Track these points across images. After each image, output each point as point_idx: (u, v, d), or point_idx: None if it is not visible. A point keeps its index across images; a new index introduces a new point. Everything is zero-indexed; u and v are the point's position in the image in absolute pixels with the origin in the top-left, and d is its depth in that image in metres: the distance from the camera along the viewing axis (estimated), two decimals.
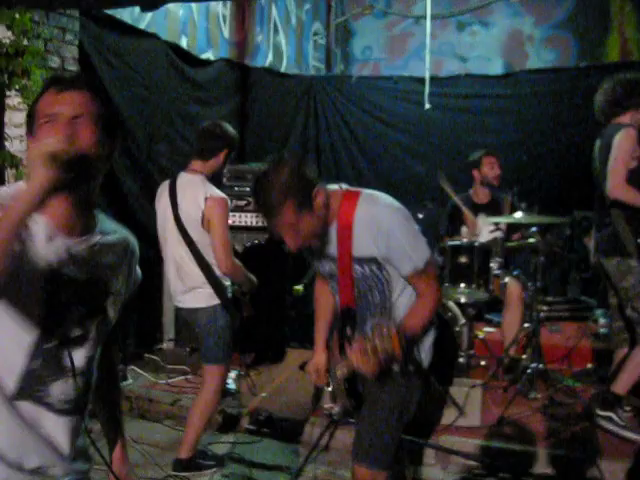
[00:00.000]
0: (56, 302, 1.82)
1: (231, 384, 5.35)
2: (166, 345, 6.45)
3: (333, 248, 2.95)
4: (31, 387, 1.83)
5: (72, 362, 1.87)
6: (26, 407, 1.84)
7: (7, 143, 4.68)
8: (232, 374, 5.39)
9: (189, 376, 5.84)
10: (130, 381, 5.80)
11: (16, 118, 4.66)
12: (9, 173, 4.68)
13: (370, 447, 3.04)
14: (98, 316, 1.94)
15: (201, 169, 4.29)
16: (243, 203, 6.12)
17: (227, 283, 4.31)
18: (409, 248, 2.86)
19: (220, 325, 4.29)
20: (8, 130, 4.69)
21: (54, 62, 4.76)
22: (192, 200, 4.18)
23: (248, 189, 5.96)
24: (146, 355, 6.30)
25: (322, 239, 2.94)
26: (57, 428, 1.91)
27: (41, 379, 1.85)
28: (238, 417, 5.13)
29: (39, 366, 1.83)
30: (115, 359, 2.21)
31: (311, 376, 3.27)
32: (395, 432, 3.07)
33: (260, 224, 5.89)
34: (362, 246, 2.89)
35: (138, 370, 5.99)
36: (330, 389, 3.24)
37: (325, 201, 2.82)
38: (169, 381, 5.80)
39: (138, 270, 2.13)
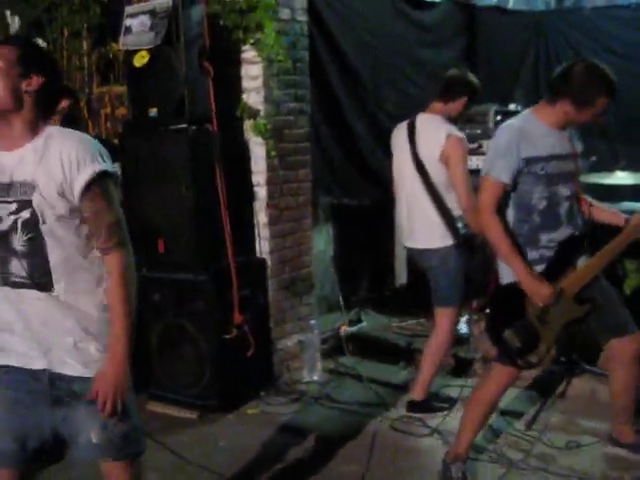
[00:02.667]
0: None
1: (463, 328, 5.34)
2: (399, 288, 6.53)
3: None
4: (2, 270, 2.37)
5: (12, 245, 2.34)
6: (10, 291, 2.38)
7: (244, 95, 4.88)
8: (464, 318, 5.37)
9: (421, 319, 5.89)
10: (364, 323, 5.95)
11: (252, 71, 4.85)
12: (247, 124, 4.89)
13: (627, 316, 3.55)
14: (26, 207, 2.31)
15: (441, 111, 4.37)
16: (475, 146, 6.01)
17: (459, 224, 4.29)
18: None
19: (453, 267, 4.31)
20: (245, 83, 4.89)
21: (285, 14, 4.87)
22: (432, 137, 4.26)
23: (479, 131, 5.86)
24: (379, 298, 6.42)
25: None
26: (32, 304, 2.37)
27: (3, 262, 2.37)
28: (471, 361, 5.12)
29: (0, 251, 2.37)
30: (119, 267, 2.41)
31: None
32: None
33: None
34: None
35: (372, 313, 6.13)
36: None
37: None
38: (402, 324, 5.89)
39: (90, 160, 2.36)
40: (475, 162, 5.88)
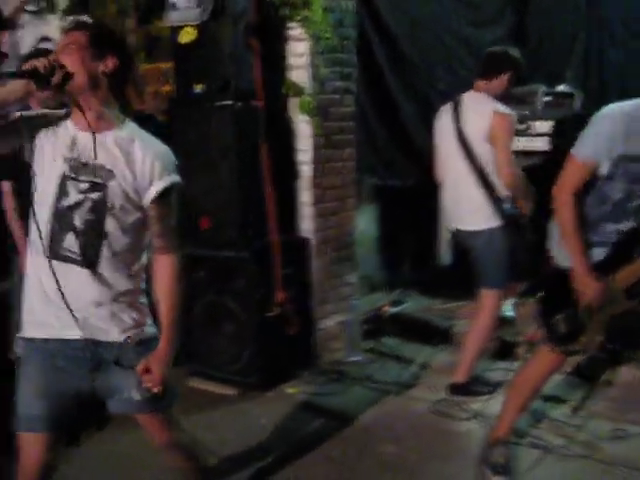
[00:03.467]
0: (65, 175, 2.48)
1: (508, 311, 5.27)
2: (442, 269, 6.49)
3: None
4: (53, 244, 2.48)
5: (68, 222, 2.47)
6: (56, 265, 2.47)
7: (290, 73, 4.85)
8: (509, 301, 5.30)
9: (465, 301, 5.83)
10: (406, 304, 5.92)
11: (298, 48, 4.82)
12: (292, 102, 4.87)
13: None
14: (98, 190, 2.46)
15: (485, 89, 4.32)
16: (523, 127, 5.91)
17: (506, 205, 4.23)
18: None
19: (498, 248, 4.27)
20: (291, 60, 4.86)
21: None
22: (479, 115, 4.22)
23: (527, 112, 5.77)
24: (422, 279, 6.37)
25: None
26: (76, 278, 2.49)
27: (56, 237, 2.48)
28: (514, 345, 5.06)
29: (54, 225, 2.47)
30: (174, 267, 2.61)
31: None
32: None
33: (539, 148, 5.70)
34: None
35: (414, 294, 6.09)
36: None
37: None
38: (445, 306, 5.84)
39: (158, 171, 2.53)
40: (523, 143, 5.81)
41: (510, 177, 4.13)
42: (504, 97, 4.34)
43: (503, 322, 5.03)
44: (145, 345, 2.60)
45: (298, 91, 4.80)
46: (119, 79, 2.52)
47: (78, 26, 2.49)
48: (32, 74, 2.36)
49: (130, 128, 2.55)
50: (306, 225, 4.93)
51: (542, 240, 3.45)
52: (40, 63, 2.35)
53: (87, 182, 2.47)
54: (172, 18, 4.55)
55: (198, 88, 4.52)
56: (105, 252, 2.50)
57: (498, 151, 4.14)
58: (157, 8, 5.16)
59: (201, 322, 4.78)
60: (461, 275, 5.98)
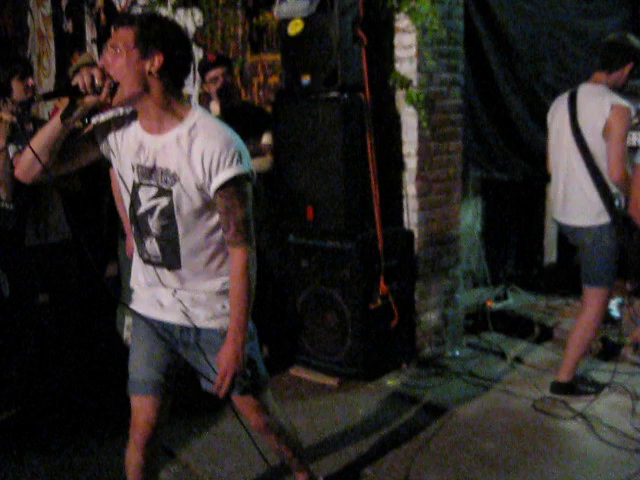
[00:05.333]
0: (135, 183, 2.52)
1: (614, 310, 5.15)
2: (548, 266, 6.38)
3: None
4: (138, 247, 2.62)
5: (147, 228, 2.54)
6: (147, 267, 2.64)
7: (397, 64, 4.85)
8: (615, 300, 5.18)
9: (570, 299, 5.72)
10: (510, 300, 5.85)
11: (406, 40, 4.80)
12: (399, 94, 4.86)
13: None
14: (166, 194, 2.46)
15: (605, 81, 4.21)
16: (636, 121, 5.73)
17: (616, 202, 4.13)
18: None
19: (607, 245, 4.16)
20: (398, 52, 4.85)
21: None
22: (596, 108, 4.11)
23: None
24: (527, 275, 6.29)
25: None
26: (165, 278, 2.62)
27: (139, 240, 2.59)
28: (620, 345, 4.93)
29: (136, 230, 2.58)
30: (242, 261, 2.52)
31: None
32: None
33: None
34: None
35: (518, 290, 6.01)
36: None
37: None
38: (549, 303, 5.75)
39: (225, 165, 2.42)
40: (635, 138, 5.64)
41: (621, 173, 4.02)
42: (619, 90, 4.21)
43: (609, 321, 4.92)
44: None
45: (405, 83, 4.79)
46: (174, 74, 2.43)
47: (124, 22, 2.39)
48: (72, 91, 2.37)
49: (193, 121, 2.45)
50: (411, 218, 4.92)
51: None
52: (81, 81, 2.34)
53: (155, 187, 2.48)
54: (281, 10, 4.61)
55: (306, 79, 4.56)
56: (183, 253, 2.54)
57: (612, 145, 4.03)
58: (265, 1, 5.25)
59: (305, 311, 4.84)
60: (567, 272, 5.89)
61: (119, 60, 2.34)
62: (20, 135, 3.78)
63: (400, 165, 4.90)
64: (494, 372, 4.83)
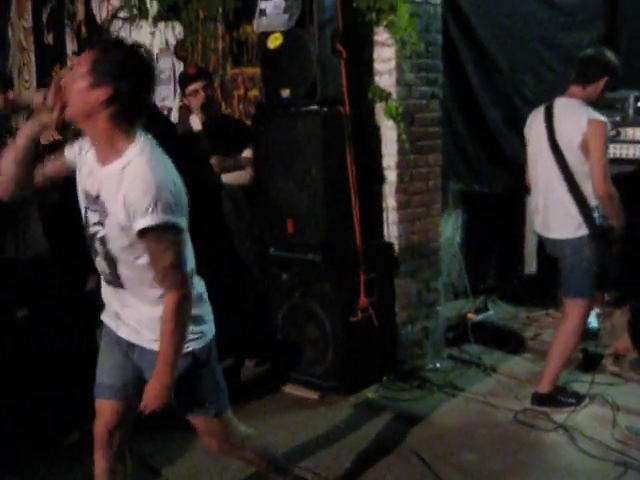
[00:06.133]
0: (85, 206, 2.54)
1: (593, 322, 5.17)
2: (528, 277, 6.40)
3: None
4: (97, 268, 2.64)
5: (95, 248, 2.55)
6: (108, 287, 2.68)
7: (376, 78, 4.86)
8: (593, 312, 5.20)
9: (550, 310, 5.75)
10: (491, 312, 5.87)
11: (385, 53, 4.81)
12: (378, 107, 4.88)
13: None
14: (102, 225, 2.47)
15: (580, 95, 4.23)
16: (613, 133, 5.78)
17: (595, 215, 4.15)
18: None
19: (587, 257, 4.18)
20: (377, 65, 4.86)
21: None
22: (573, 123, 4.13)
23: (618, 118, 5.63)
24: (507, 287, 6.31)
25: None
26: (116, 293, 2.65)
27: (95, 260, 2.61)
28: (599, 357, 4.95)
29: (91, 249, 2.59)
30: (170, 306, 2.49)
31: None
32: None
33: (630, 155, 5.56)
34: None
35: (499, 301, 6.03)
36: None
37: None
38: (530, 314, 5.77)
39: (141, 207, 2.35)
40: (613, 151, 5.68)
41: (606, 188, 4.03)
42: (595, 103, 4.24)
43: (588, 333, 4.93)
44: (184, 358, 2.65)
45: (384, 96, 4.81)
46: (123, 108, 2.35)
47: (91, 44, 2.44)
48: (25, 107, 2.39)
49: (128, 159, 2.37)
50: (391, 230, 4.93)
51: (631, 250, 3.38)
52: (36, 98, 2.42)
53: (97, 214, 2.47)
54: (260, 24, 4.61)
55: (285, 93, 4.57)
56: (124, 279, 2.56)
57: (594, 161, 4.05)
58: (246, 14, 5.25)
59: (284, 325, 4.83)
60: (547, 284, 5.91)
61: (75, 83, 2.32)
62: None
63: (380, 178, 4.91)
64: (475, 384, 4.83)
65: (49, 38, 6.93)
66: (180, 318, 2.50)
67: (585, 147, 4.07)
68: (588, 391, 4.43)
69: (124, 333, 2.70)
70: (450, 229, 5.95)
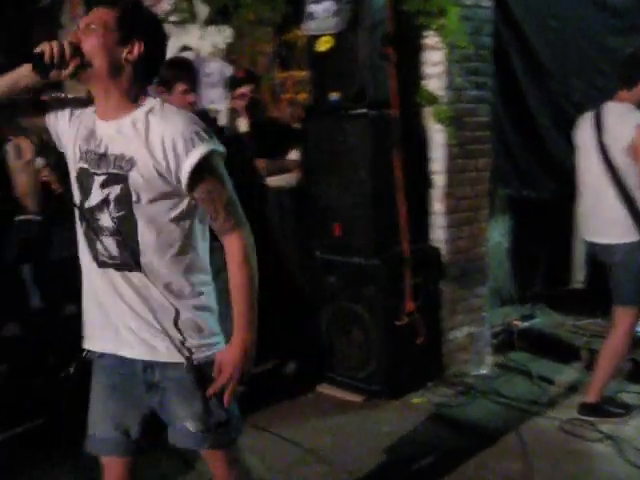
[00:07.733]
0: (83, 170, 2.25)
1: None
2: (576, 285, 6.32)
3: None
4: (91, 251, 2.25)
5: (98, 223, 2.22)
6: (101, 279, 2.26)
7: (425, 81, 4.84)
8: None
9: (598, 319, 5.66)
10: (537, 319, 5.80)
11: (434, 57, 4.79)
12: (427, 110, 4.85)
13: None
14: (119, 182, 2.17)
15: (627, 98, 4.16)
16: None
17: None
18: None
19: (637, 264, 4.12)
20: (426, 69, 4.84)
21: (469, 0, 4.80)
22: (621, 127, 4.08)
23: None
24: (554, 294, 6.23)
25: None
26: (121, 286, 2.23)
27: (90, 242, 2.25)
28: None
29: (86, 228, 2.25)
30: (241, 247, 2.21)
31: None
32: None
33: None
34: None
35: (546, 309, 5.96)
36: None
37: None
38: (578, 323, 5.69)
39: (186, 146, 2.14)
40: None
41: None
42: None
43: (637, 342, 4.85)
44: (209, 368, 2.25)
45: (433, 100, 4.79)
46: (147, 66, 2.24)
47: (104, 2, 2.20)
48: (36, 60, 2.11)
49: (151, 105, 2.22)
50: (438, 235, 4.91)
51: None
52: (49, 49, 2.10)
53: (104, 174, 2.19)
54: (310, 27, 4.63)
55: (334, 96, 4.57)
56: (144, 244, 2.19)
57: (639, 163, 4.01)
58: (295, 17, 5.27)
59: (330, 328, 4.83)
60: (595, 291, 5.83)
61: (94, 40, 2.15)
62: (48, 148, 3.79)
63: (427, 182, 4.89)
64: (520, 392, 4.77)
65: None
66: (252, 263, 2.23)
67: (634, 152, 4.01)
68: (636, 402, 4.35)
69: (132, 351, 2.27)
70: (497, 235, 5.90)
